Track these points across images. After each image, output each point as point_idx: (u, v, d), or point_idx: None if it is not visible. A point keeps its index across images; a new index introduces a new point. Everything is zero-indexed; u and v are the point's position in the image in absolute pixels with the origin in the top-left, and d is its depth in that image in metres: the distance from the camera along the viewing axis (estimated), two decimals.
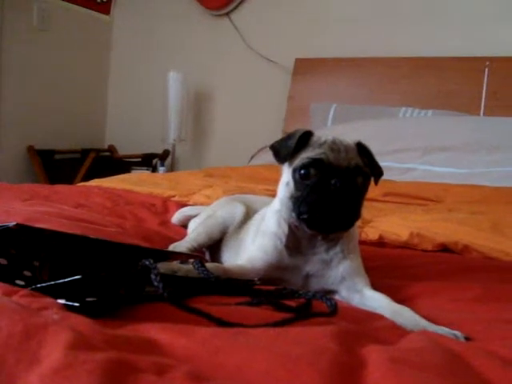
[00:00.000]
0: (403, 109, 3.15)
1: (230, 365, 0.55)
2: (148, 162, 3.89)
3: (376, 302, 1.00)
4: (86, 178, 3.54)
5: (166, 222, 1.68)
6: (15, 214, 1.26)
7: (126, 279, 0.78)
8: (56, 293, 0.73)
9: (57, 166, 3.82)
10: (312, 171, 1.01)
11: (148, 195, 1.98)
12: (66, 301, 0.70)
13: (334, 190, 0.99)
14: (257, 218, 1.24)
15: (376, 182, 1.09)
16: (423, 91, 3.25)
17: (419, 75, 3.27)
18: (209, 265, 1.02)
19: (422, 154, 2.71)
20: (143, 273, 0.78)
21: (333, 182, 0.99)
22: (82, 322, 0.61)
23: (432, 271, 1.22)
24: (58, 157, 3.89)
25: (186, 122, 3.93)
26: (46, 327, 0.57)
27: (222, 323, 0.69)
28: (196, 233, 1.37)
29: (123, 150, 4.18)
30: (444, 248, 1.44)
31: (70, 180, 3.59)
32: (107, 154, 4.16)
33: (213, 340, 0.61)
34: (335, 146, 1.03)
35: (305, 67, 3.58)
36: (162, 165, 3.77)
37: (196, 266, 0.92)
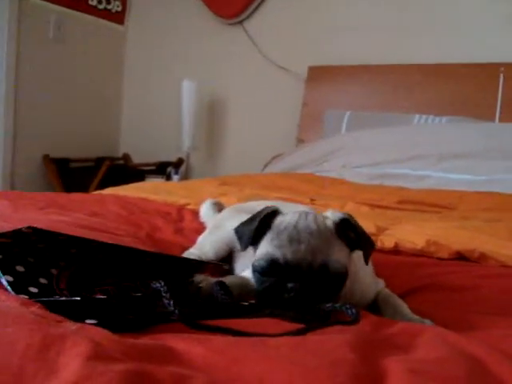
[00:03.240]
0: (417, 116, 3.14)
1: (248, 375, 0.54)
2: (162, 170, 3.90)
3: None
4: (101, 187, 3.56)
5: (181, 230, 1.68)
6: (32, 223, 1.27)
7: (134, 303, 0.77)
8: (57, 309, 0.72)
9: (72, 175, 3.85)
10: (269, 269, 0.89)
11: (163, 203, 1.98)
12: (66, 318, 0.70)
13: (291, 293, 0.86)
14: None
15: (366, 258, 0.94)
16: (437, 98, 3.23)
17: (433, 82, 3.25)
18: (231, 278, 1.01)
19: (437, 161, 2.69)
20: (154, 295, 0.77)
21: (289, 285, 0.86)
22: (100, 333, 0.61)
23: (450, 279, 1.21)
24: (73, 165, 3.92)
25: (201, 131, 3.94)
26: (65, 338, 0.57)
27: (238, 333, 0.68)
28: (201, 246, 1.35)
29: (137, 158, 4.20)
30: (460, 256, 1.42)
31: (85, 188, 3.61)
32: (121, 162, 4.18)
33: (230, 349, 0.61)
34: (295, 236, 0.89)
35: (318, 74, 3.58)
36: (176, 173, 3.78)
37: (215, 289, 0.90)
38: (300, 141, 3.54)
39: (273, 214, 0.96)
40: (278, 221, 0.94)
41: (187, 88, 3.80)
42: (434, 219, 1.84)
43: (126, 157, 4.27)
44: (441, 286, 1.18)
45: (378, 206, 2.09)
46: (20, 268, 0.87)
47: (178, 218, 1.83)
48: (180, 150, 3.89)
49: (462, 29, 3.22)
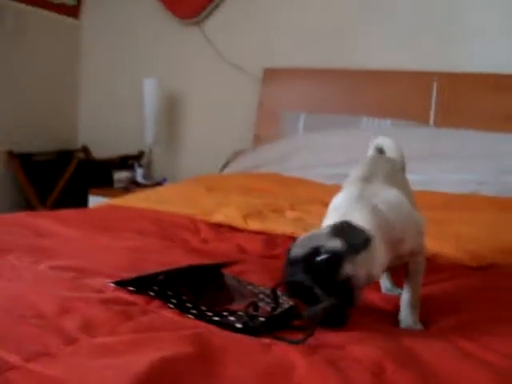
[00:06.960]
0: (365, 118, 3.52)
1: None
2: (124, 164, 4.06)
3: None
4: (69, 183, 3.74)
5: (204, 241, 1.89)
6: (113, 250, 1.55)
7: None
8: None
9: (36, 170, 3.94)
10: None
11: (176, 215, 2.13)
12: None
13: None
14: None
15: None
16: (380, 102, 3.62)
17: (377, 87, 3.64)
18: None
19: None
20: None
21: None
22: None
23: None
24: (35, 159, 4.01)
25: (161, 127, 4.12)
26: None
27: None
28: None
29: (97, 152, 4.35)
30: None
31: (50, 184, 3.76)
32: (81, 155, 4.28)
33: None
34: None
35: (273, 76, 3.87)
36: (140, 166, 3.98)
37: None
38: (257, 137, 3.85)
39: None
40: None
41: (148, 85, 3.97)
42: None
43: (85, 149, 4.39)
44: None
45: None
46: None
47: (195, 229, 2.02)
48: (142, 145, 4.10)
49: (401, 40, 3.61)
